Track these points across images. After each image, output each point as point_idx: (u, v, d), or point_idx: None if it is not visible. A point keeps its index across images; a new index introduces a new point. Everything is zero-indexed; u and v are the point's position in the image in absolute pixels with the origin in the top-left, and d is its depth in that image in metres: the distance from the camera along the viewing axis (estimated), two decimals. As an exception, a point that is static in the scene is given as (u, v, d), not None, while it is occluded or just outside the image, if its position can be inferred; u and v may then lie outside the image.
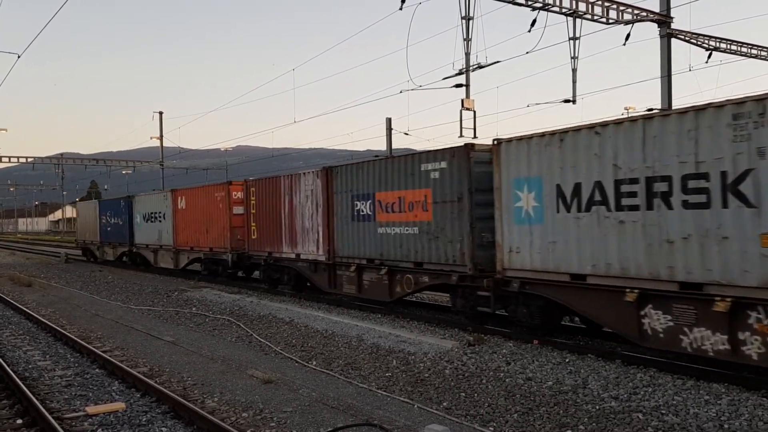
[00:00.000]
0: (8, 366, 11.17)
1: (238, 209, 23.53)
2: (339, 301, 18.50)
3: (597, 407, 8.69)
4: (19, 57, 20.86)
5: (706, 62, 26.20)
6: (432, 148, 15.37)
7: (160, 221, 29.56)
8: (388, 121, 36.79)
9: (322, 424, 8.31)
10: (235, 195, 23.83)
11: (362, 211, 16.90)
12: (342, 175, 17.73)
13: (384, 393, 9.80)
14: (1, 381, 10.62)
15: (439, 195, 14.33)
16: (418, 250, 15.02)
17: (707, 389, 9.10)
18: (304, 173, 19.51)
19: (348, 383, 10.43)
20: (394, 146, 36.71)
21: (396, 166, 15.70)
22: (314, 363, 11.86)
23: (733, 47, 26.84)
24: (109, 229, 36.21)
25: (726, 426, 7.79)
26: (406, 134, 36.31)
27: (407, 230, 15.35)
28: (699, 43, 25.75)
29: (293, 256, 19.87)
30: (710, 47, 26.10)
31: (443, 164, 14.23)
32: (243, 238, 23.02)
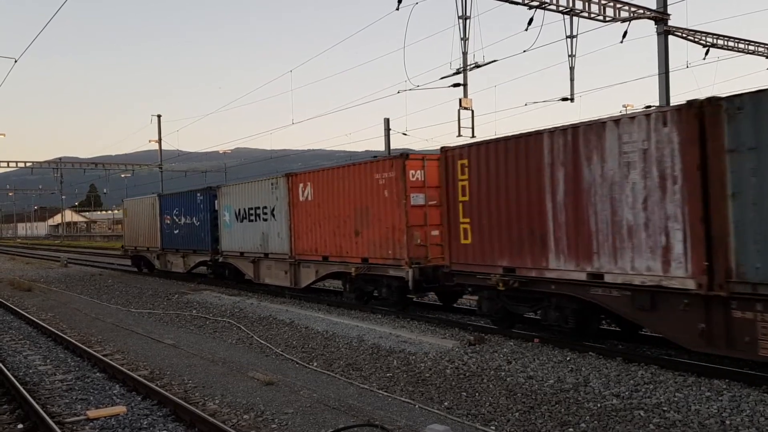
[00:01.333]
0: (9, 371, 11.15)
1: (417, 198, 15.88)
2: (339, 302, 18.47)
3: (598, 405, 8.69)
4: (16, 61, 20.85)
5: (704, 59, 26.20)
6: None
7: (264, 219, 21.71)
8: (386, 121, 36.80)
9: (324, 425, 8.30)
10: (413, 175, 15.83)
11: None
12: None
13: (385, 393, 9.79)
14: (2, 386, 10.62)
15: None
16: None
17: (708, 386, 9.10)
18: (628, 118, 10.53)
19: (349, 384, 10.42)
20: (392, 146, 36.73)
21: None
22: (315, 364, 11.85)
23: (730, 43, 26.85)
24: (176, 231, 28.41)
25: (727, 422, 7.79)
26: (405, 134, 36.29)
27: None
28: (696, 39, 25.76)
29: (583, 277, 11.24)
30: (707, 44, 26.11)
31: None
32: (424, 243, 15.79)
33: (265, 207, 21.67)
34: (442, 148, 14.26)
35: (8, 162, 52.88)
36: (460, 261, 13.84)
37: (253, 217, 22.44)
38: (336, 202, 18.08)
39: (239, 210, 23.30)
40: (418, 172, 15.88)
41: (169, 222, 29.14)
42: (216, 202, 25.23)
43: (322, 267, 19.04)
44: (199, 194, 26.50)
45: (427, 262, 15.62)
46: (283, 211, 20.59)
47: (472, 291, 14.12)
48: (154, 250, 30.99)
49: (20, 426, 8.71)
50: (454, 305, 17.09)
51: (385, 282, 16.58)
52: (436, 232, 15.69)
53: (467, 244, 13.57)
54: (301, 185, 19.77)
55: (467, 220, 13.55)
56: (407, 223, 15.59)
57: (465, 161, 13.48)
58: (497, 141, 12.91)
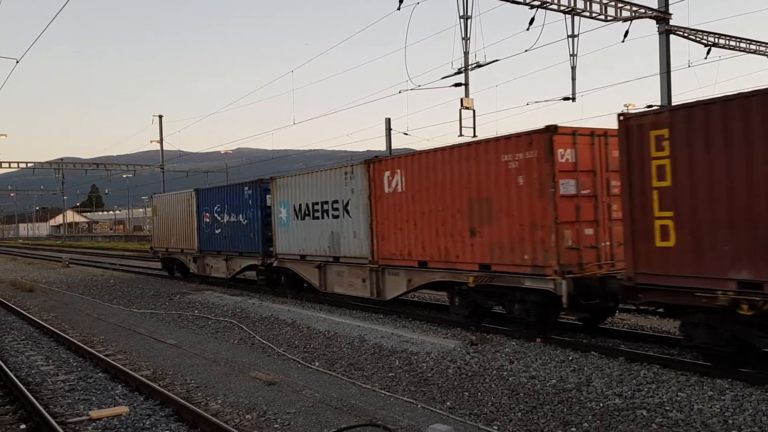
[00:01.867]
0: (11, 371, 11.17)
1: (568, 185, 12.16)
2: (341, 302, 18.49)
3: (601, 405, 8.68)
4: (17, 62, 20.87)
5: (705, 58, 26.18)
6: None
7: (334, 216, 18.04)
8: (388, 121, 36.82)
9: (326, 424, 8.31)
10: (563, 156, 12.12)
11: None
12: None
13: (387, 393, 9.79)
14: (5, 386, 10.63)
15: None
16: None
17: (711, 385, 9.09)
18: None
19: (351, 384, 10.42)
20: (393, 146, 36.74)
21: None
22: (317, 364, 11.85)
23: (732, 43, 26.82)
24: (218, 231, 24.67)
25: (730, 421, 7.79)
26: (406, 134, 36.32)
27: None
28: (698, 39, 25.75)
29: None
30: (709, 43, 26.09)
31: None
32: (577, 246, 12.14)
33: (336, 201, 17.90)
34: (621, 114, 10.57)
35: (10, 162, 52.96)
36: (653, 271, 10.09)
37: (318, 214, 18.71)
38: (439, 193, 14.51)
39: (299, 205, 19.57)
40: (568, 151, 12.16)
41: (208, 220, 25.35)
42: (268, 196, 21.59)
43: (418, 275, 15.38)
44: (246, 188, 22.72)
45: (582, 270, 12.01)
46: (361, 206, 16.90)
47: (671, 313, 10.96)
48: (189, 252, 27.19)
49: (23, 426, 8.73)
50: (600, 325, 13.48)
51: (518, 296, 12.76)
52: (590, 231, 12.37)
53: (667, 248, 9.90)
54: (387, 174, 16.00)
55: (668, 213, 9.89)
56: (555, 219, 11.83)
57: (664, 131, 9.91)
58: (740, 97, 9.08)
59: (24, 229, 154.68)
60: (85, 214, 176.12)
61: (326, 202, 18.41)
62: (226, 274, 24.52)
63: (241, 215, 23.12)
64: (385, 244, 16.26)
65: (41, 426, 8.49)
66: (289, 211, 20.18)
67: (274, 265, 21.12)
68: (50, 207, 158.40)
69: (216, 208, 24.85)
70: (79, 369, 11.86)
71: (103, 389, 10.36)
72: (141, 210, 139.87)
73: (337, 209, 17.98)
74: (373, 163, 16.64)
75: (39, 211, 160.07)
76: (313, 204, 18.95)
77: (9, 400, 10.00)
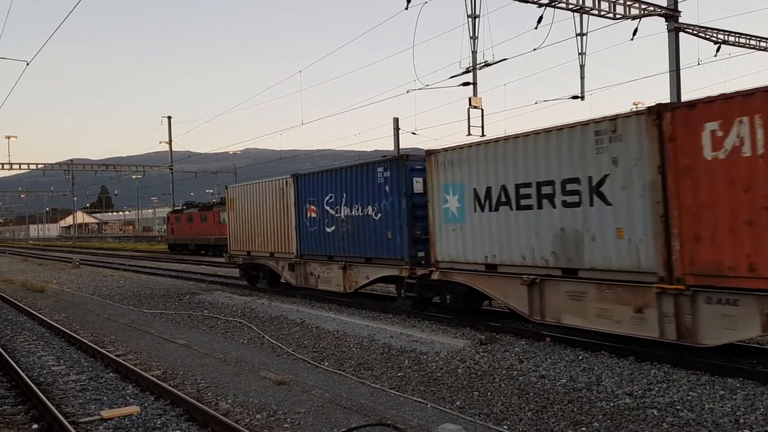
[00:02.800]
0: (23, 371, 11.24)
1: None
2: (350, 302, 18.47)
3: (611, 404, 8.66)
4: (27, 64, 21.02)
5: (715, 56, 26.07)
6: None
7: (569, 204, 11.86)
8: (396, 120, 36.82)
9: (336, 424, 8.32)
10: None
11: None
12: None
13: (397, 393, 9.80)
14: (17, 386, 10.71)
15: None
16: None
17: (722, 384, 9.05)
18: None
19: (360, 383, 10.43)
20: (402, 146, 36.73)
21: None
22: (326, 364, 11.87)
23: (742, 40, 26.69)
24: (331, 229, 18.71)
25: (741, 421, 7.75)
26: (414, 134, 36.30)
27: None
28: (707, 36, 25.63)
29: None
30: (719, 40, 25.98)
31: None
32: None
33: (571, 180, 11.74)
34: None
35: (20, 164, 53.35)
36: None
37: (529, 201, 12.59)
38: None
39: (487, 189, 13.38)
40: None
41: (314, 215, 19.47)
42: (416, 180, 15.95)
43: None
44: (381, 168, 16.61)
45: None
46: (638, 185, 10.57)
47: None
48: (284, 256, 21.23)
49: (35, 426, 8.78)
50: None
51: None
52: None
53: None
54: (711, 126, 9.49)
55: None
56: None
57: None
58: None
59: (34, 230, 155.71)
60: (94, 215, 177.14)
61: (548, 183, 12.18)
62: (343, 287, 18.29)
63: (370, 207, 17.06)
64: (702, 248, 9.65)
65: (53, 426, 8.54)
66: (463, 198, 13.98)
67: (434, 278, 14.86)
68: (60, 208, 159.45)
69: (327, 198, 18.85)
70: (90, 369, 11.93)
71: (114, 389, 10.42)
72: (150, 211, 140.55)
73: (574, 192, 11.71)
74: (672, 110, 10.06)
75: (49, 212, 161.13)
76: (518, 186, 12.78)
77: (21, 400, 10.06)
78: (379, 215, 16.73)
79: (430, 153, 14.87)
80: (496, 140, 13.43)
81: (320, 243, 19.24)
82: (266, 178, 22.33)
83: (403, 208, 15.90)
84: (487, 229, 13.45)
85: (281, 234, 21.17)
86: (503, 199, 13.08)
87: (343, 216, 18.15)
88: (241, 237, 23.95)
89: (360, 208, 17.50)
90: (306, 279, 20.12)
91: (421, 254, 15.72)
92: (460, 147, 14.18)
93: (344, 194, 18.05)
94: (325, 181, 18.94)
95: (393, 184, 16.16)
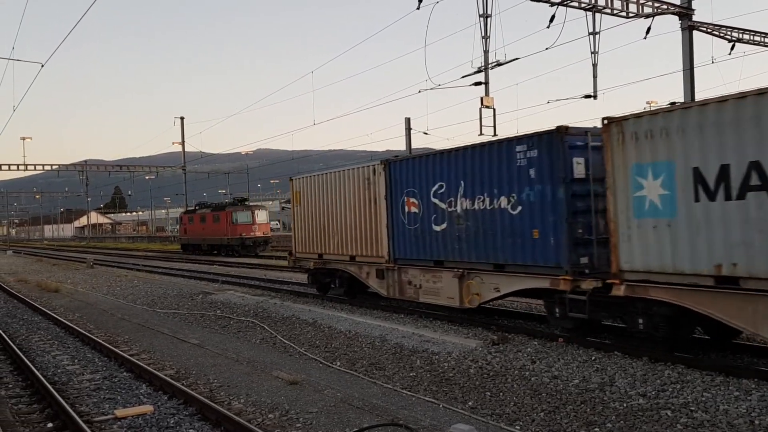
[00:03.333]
0: (38, 370, 11.34)
1: None
2: (361, 302, 18.49)
3: (624, 405, 8.61)
4: (42, 66, 21.20)
5: (729, 54, 25.84)
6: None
7: None
8: (407, 120, 36.82)
9: (348, 424, 8.33)
10: None
11: None
12: None
13: (409, 393, 9.80)
14: (32, 385, 10.81)
15: None
16: None
17: (737, 385, 8.97)
18: None
19: (372, 383, 10.43)
20: (413, 146, 36.73)
21: None
22: (338, 364, 11.89)
23: (757, 38, 26.43)
24: (441, 227, 14.93)
25: (756, 422, 7.68)
26: (426, 134, 36.27)
27: None
28: (721, 34, 25.41)
29: None
30: (733, 38, 25.74)
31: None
32: None
33: None
34: None
35: (35, 165, 53.86)
36: None
37: None
38: None
39: (721, 170, 9.43)
40: None
41: (415, 210, 15.66)
42: (577, 160, 12.03)
43: None
44: (521, 147, 12.77)
45: None
46: None
47: None
48: (370, 261, 17.33)
49: (50, 425, 8.86)
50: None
51: None
52: None
53: None
54: None
55: None
56: None
57: None
58: None
59: (49, 231, 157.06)
60: (108, 215, 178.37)
61: None
62: (459, 301, 14.46)
63: (504, 198, 13.24)
64: None
65: (68, 424, 8.61)
66: (673, 182, 10.05)
67: (617, 293, 10.83)
68: (74, 208, 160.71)
69: (435, 188, 15.05)
70: (104, 368, 12.01)
71: (127, 388, 10.49)
72: (163, 211, 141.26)
73: None
74: None
75: (64, 213, 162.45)
76: None
77: (37, 398, 10.16)
78: (519, 208, 12.85)
79: (611, 122, 10.92)
80: (743, 96, 9.24)
81: (423, 245, 15.46)
82: (342, 167, 18.83)
83: (559, 198, 11.96)
84: (719, 226, 9.41)
85: (366, 233, 17.36)
86: (755, 181, 9.03)
87: (459, 210, 14.32)
88: (310, 237, 20.10)
89: (487, 200, 13.64)
90: (401, 289, 16.20)
91: (584, 260, 11.91)
92: (669, 110, 10.21)
93: (461, 183, 14.23)
94: (431, 166, 15.14)
95: (543, 166, 12.27)
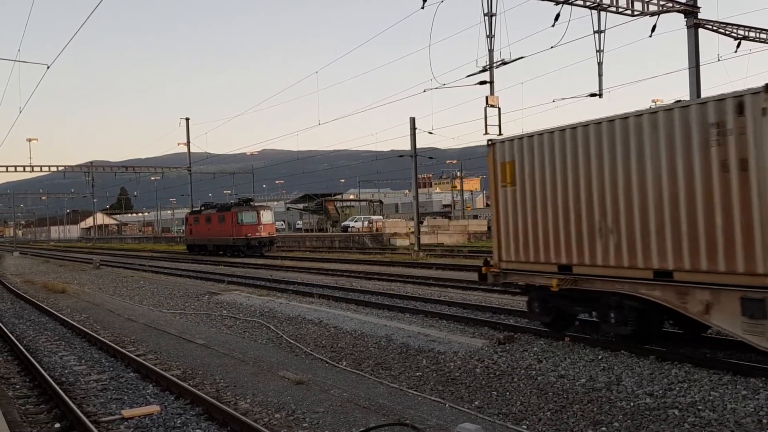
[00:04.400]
0: (45, 371, 11.38)
1: None
2: (367, 302, 18.49)
3: (631, 404, 8.58)
4: (48, 67, 21.26)
5: (735, 51, 25.73)
6: None
7: None
8: (412, 120, 36.82)
9: (354, 424, 8.33)
10: None
11: None
12: None
13: (415, 392, 9.79)
14: (39, 386, 10.84)
15: None
16: None
17: (745, 384, 8.93)
18: None
19: (378, 383, 10.43)
20: (418, 145, 36.71)
21: None
22: (344, 363, 11.88)
23: (763, 36, 26.32)
24: None
25: (765, 421, 7.64)
26: (431, 133, 36.27)
27: None
28: (727, 32, 25.32)
29: None
30: (739, 36, 25.65)
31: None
32: None
33: None
34: None
35: (41, 166, 54.07)
36: None
37: None
38: None
39: None
40: None
41: None
42: None
43: None
44: None
45: None
46: None
47: None
48: (717, 283, 9.31)
49: (57, 425, 8.88)
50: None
51: None
52: None
53: None
54: None
55: None
56: None
57: None
58: None
59: (55, 232, 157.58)
60: (114, 216, 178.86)
61: None
62: None
63: None
64: None
65: (75, 424, 8.63)
66: None
67: None
68: (81, 209, 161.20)
69: None
70: (111, 369, 12.04)
71: (134, 389, 10.51)
72: (169, 212, 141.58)
73: None
74: None
75: (70, 214, 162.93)
76: None
77: (44, 399, 10.19)
78: None
79: None
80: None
81: None
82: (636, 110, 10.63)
83: None
84: None
85: (703, 230, 9.52)
86: None
87: None
88: (541, 238, 12.32)
89: None
90: None
91: None
92: None
93: None
94: None
95: None
